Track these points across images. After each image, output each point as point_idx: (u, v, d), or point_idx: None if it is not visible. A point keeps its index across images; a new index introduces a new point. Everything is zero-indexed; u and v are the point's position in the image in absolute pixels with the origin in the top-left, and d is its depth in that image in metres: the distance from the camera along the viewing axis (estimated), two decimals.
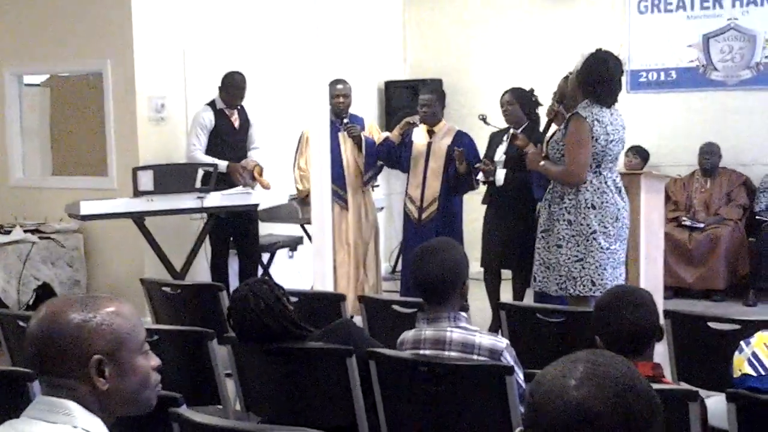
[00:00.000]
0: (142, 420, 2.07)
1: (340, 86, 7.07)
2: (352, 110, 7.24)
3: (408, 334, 3.39)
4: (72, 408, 1.83)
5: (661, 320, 3.18)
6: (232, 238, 7.14)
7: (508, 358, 3.26)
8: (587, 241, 4.93)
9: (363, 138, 7.05)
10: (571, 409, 1.49)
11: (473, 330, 3.31)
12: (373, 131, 7.26)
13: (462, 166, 6.63)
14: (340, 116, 7.07)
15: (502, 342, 3.31)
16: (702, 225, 8.15)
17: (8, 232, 6.85)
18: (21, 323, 3.98)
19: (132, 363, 1.90)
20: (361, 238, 7.14)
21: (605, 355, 1.59)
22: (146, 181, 6.43)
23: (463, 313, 3.35)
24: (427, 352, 3.28)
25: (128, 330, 1.90)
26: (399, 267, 8.43)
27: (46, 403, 1.85)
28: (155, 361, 1.96)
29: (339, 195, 7.04)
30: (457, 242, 3.55)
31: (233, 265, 7.23)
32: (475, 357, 3.23)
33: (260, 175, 6.97)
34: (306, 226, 7.33)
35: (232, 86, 6.98)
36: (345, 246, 7.09)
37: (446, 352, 3.25)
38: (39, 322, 1.87)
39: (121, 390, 1.88)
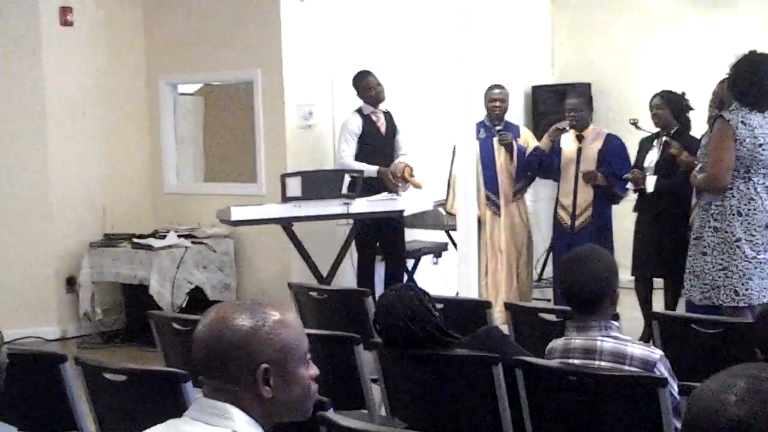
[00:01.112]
0: (291, 423, 2.09)
1: (497, 90, 7.05)
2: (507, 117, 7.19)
3: (557, 343, 3.32)
4: (233, 412, 1.86)
5: None
6: (378, 244, 7.18)
7: (662, 370, 3.15)
8: (731, 249, 4.75)
9: (515, 146, 6.98)
10: (731, 427, 1.42)
11: (625, 339, 3.22)
12: (529, 139, 7.18)
13: (600, 181, 6.54)
14: (495, 122, 7.03)
15: (656, 353, 3.20)
16: None
17: (163, 237, 7.10)
18: (175, 325, 4.09)
19: (296, 373, 1.91)
20: (514, 245, 7.08)
21: (766, 370, 1.51)
22: (294, 187, 6.55)
23: (615, 323, 3.26)
24: (577, 361, 3.21)
25: (295, 340, 1.92)
26: (545, 275, 8.31)
27: (208, 405, 1.88)
28: (315, 370, 1.98)
29: (492, 201, 7.01)
30: (606, 250, 3.45)
31: (379, 271, 7.28)
32: (626, 367, 3.13)
33: (411, 175, 7.00)
34: (451, 232, 7.31)
35: (358, 82, 7.06)
36: (497, 253, 7.04)
37: (596, 362, 3.17)
38: (209, 326, 1.90)
39: (283, 399, 1.90)
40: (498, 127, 7.01)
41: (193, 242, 7.17)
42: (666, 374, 3.14)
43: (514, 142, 7.00)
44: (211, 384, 1.89)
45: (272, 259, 7.30)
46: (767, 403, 1.43)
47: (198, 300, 6.91)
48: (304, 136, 7.37)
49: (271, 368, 1.87)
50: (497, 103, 7.01)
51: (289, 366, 1.90)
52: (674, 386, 3.11)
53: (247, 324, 1.87)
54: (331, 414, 2.72)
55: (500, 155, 7.05)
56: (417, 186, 7.00)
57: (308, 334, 1.99)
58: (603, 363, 3.16)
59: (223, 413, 1.85)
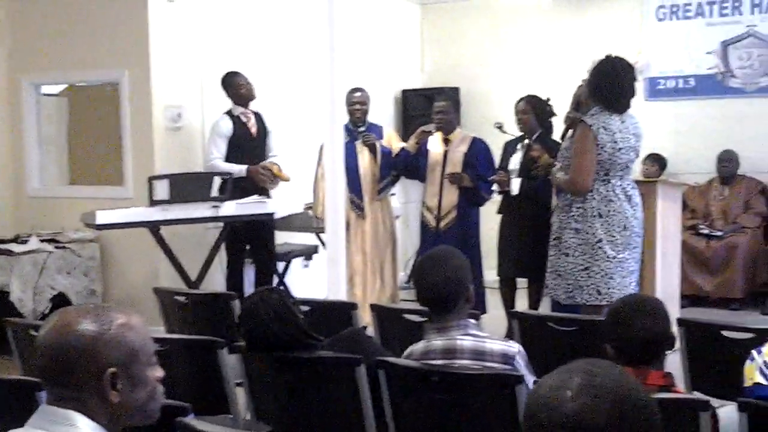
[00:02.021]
0: (149, 430, 2.08)
1: (357, 94, 7.09)
2: (370, 119, 7.24)
3: (416, 347, 3.37)
4: (77, 419, 1.84)
5: (674, 328, 3.16)
6: (248, 247, 7.14)
7: (521, 362, 3.25)
8: (593, 249, 4.90)
9: (378, 147, 7.05)
10: (567, 422, 1.48)
11: (483, 336, 3.30)
12: (392, 140, 7.26)
13: (466, 182, 6.66)
14: (357, 124, 7.08)
15: (513, 347, 3.30)
16: (720, 233, 8.09)
17: (25, 242, 6.89)
18: (33, 332, 3.98)
19: (143, 375, 1.92)
20: (378, 246, 7.13)
21: (602, 365, 1.57)
22: (162, 190, 6.45)
23: (472, 320, 3.34)
24: (438, 362, 3.27)
25: (141, 343, 1.92)
26: None
27: (51, 413, 1.85)
28: (160, 372, 1.99)
29: (356, 203, 7.04)
30: (458, 251, 3.50)
31: (249, 275, 7.24)
32: (488, 363, 3.22)
33: (279, 171, 6.98)
34: (321, 235, 7.32)
35: (226, 82, 7.01)
36: (361, 254, 7.09)
37: (458, 361, 3.24)
38: (51, 332, 1.88)
39: (131, 402, 1.90)
40: (361, 129, 7.06)
41: (56, 247, 6.98)
42: (523, 367, 3.25)
43: (377, 142, 7.07)
44: (54, 392, 1.86)
45: (140, 264, 7.17)
46: (601, 397, 1.49)
47: (62, 306, 6.72)
48: (172, 138, 7.27)
49: (118, 372, 1.86)
50: (357, 107, 7.08)
51: (136, 369, 1.90)
52: (531, 381, 3.20)
53: (92, 329, 1.86)
54: (190, 419, 2.70)
55: (363, 157, 7.10)
56: (285, 179, 6.98)
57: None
58: (464, 361, 3.23)
59: (67, 421, 1.82)
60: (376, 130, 7.23)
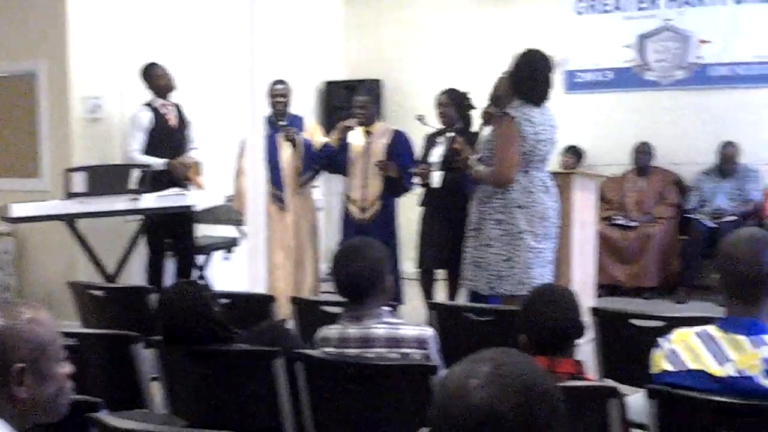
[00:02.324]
0: (59, 427, 2.05)
1: (279, 86, 7.05)
2: (293, 110, 7.22)
3: (330, 332, 3.39)
4: None
5: (586, 318, 3.22)
6: (167, 240, 7.07)
7: (433, 346, 3.32)
8: (515, 240, 4.96)
9: (300, 140, 7.02)
10: (473, 411, 1.50)
11: (397, 323, 3.36)
12: (314, 132, 7.23)
13: (392, 171, 6.69)
14: (279, 116, 7.04)
15: (427, 330, 3.36)
16: (635, 223, 8.25)
17: None
18: None
19: (51, 371, 1.90)
20: (299, 239, 7.12)
21: (509, 354, 1.60)
22: (79, 182, 6.35)
23: (386, 308, 3.37)
24: (353, 350, 3.30)
25: (50, 338, 1.90)
26: None
27: None
28: (69, 368, 1.97)
29: (277, 196, 7.02)
30: (378, 242, 3.53)
31: (170, 267, 7.17)
32: (404, 349, 3.26)
33: (196, 174, 6.92)
34: (242, 227, 7.28)
35: (149, 74, 6.94)
36: (284, 248, 7.07)
37: (375, 349, 3.27)
38: None
39: (38, 398, 1.88)
40: (282, 123, 7.03)
41: None
42: (435, 351, 3.31)
43: (296, 136, 7.03)
44: None
45: (57, 258, 7.05)
46: (507, 387, 1.51)
47: None
48: (90, 129, 7.15)
49: (25, 367, 1.83)
50: (279, 98, 7.04)
51: (44, 364, 1.88)
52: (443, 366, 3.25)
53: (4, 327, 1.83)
54: (102, 415, 2.67)
55: (285, 150, 7.07)
56: (199, 186, 6.94)
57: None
58: (380, 349, 3.27)
59: None
60: (298, 122, 7.21)
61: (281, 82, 7.09)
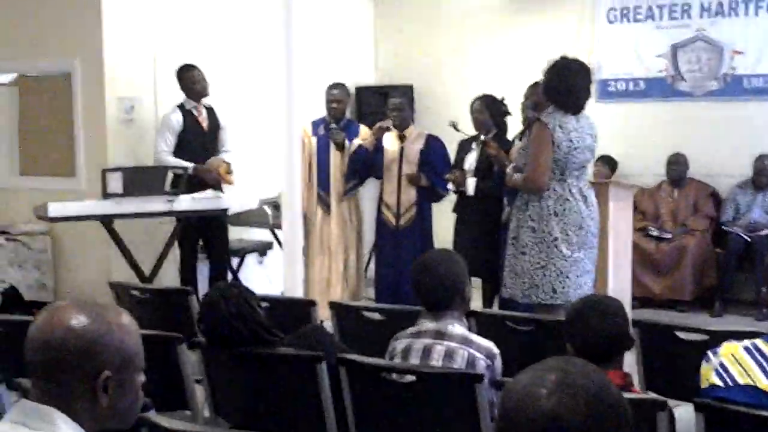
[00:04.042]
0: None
1: (335, 91, 7.09)
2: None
3: (407, 330, 3.49)
4: (56, 417, 1.81)
5: (631, 329, 3.21)
6: (201, 242, 7.10)
7: (499, 363, 3.40)
8: (549, 248, 4.94)
9: (347, 145, 7.01)
10: (542, 419, 1.50)
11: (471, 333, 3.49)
12: (368, 137, 7.21)
13: (423, 182, 6.70)
14: (332, 121, 7.06)
15: (496, 348, 3.44)
16: (669, 235, 8.20)
17: None
18: None
19: (133, 381, 1.91)
20: (343, 244, 7.12)
21: (577, 364, 1.60)
22: (115, 183, 6.38)
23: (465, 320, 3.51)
24: (428, 340, 3.39)
25: (135, 348, 1.90)
26: (368, 274, 8.41)
27: (32, 409, 1.83)
28: (143, 377, 1.96)
29: (323, 199, 7.04)
30: (457, 253, 3.71)
31: (203, 270, 7.19)
32: (473, 351, 3.35)
33: (227, 172, 6.93)
34: (276, 230, 7.30)
35: (182, 75, 6.96)
36: (326, 251, 7.08)
37: (446, 342, 3.37)
38: (49, 327, 1.84)
39: (118, 407, 1.88)
40: (332, 126, 7.04)
41: (7, 239, 6.89)
42: (499, 367, 3.39)
43: (347, 141, 7.03)
44: (41, 387, 1.84)
45: (93, 258, 7.09)
46: (576, 395, 1.51)
47: (14, 300, 6.63)
48: (125, 130, 7.20)
49: (112, 376, 1.84)
50: (334, 104, 7.06)
51: (128, 374, 1.88)
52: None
53: (92, 329, 1.83)
54: (152, 415, 2.69)
55: (335, 155, 7.08)
56: (228, 182, 6.95)
57: None
58: (453, 344, 3.35)
59: (47, 417, 1.80)
60: (354, 128, 7.22)
61: (337, 86, 7.13)
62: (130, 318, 1.93)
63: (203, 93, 7.00)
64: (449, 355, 3.34)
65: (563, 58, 5.10)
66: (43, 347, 1.83)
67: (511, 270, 5.12)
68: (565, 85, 4.98)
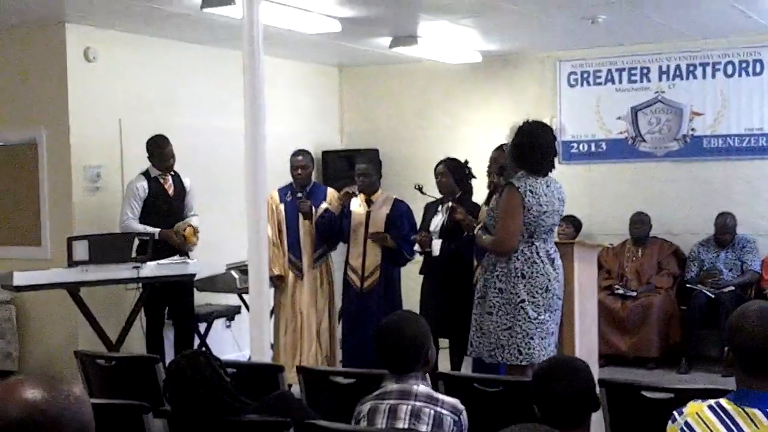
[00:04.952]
0: None
1: (299, 158, 7.12)
2: None
3: (372, 394, 3.48)
4: None
5: (597, 389, 3.23)
6: (167, 308, 7.07)
7: (465, 419, 3.39)
8: (515, 309, 4.97)
9: (314, 211, 7.04)
10: None
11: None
12: (335, 201, 7.24)
13: (388, 243, 6.74)
14: (299, 187, 7.08)
15: (460, 405, 3.43)
16: (634, 293, 8.28)
17: None
18: None
19: None
20: (314, 308, 7.11)
21: (539, 430, 1.62)
22: (81, 251, 6.37)
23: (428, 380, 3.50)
24: (393, 401, 3.37)
25: (90, 419, 1.88)
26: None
27: None
28: None
29: (295, 264, 7.04)
30: (419, 315, 3.71)
31: (169, 335, 7.16)
32: (438, 409, 3.33)
33: (192, 234, 6.93)
34: (245, 295, 7.28)
35: (157, 149, 6.98)
36: (297, 315, 7.06)
37: (411, 402, 3.34)
38: (13, 406, 1.80)
39: None
40: (299, 195, 7.08)
41: None
42: (466, 424, 3.38)
43: (312, 208, 7.06)
44: None
45: (58, 326, 7.04)
46: None
47: None
48: (91, 197, 7.20)
49: None
50: (299, 170, 7.09)
51: None
52: None
53: (55, 405, 1.81)
54: None
55: (303, 222, 7.11)
56: (192, 243, 6.95)
57: (95, 404, 1.95)
58: (418, 404, 3.33)
59: None
60: (321, 191, 7.25)
61: (301, 152, 7.16)
62: (82, 389, 1.92)
63: (172, 167, 7.04)
64: (416, 414, 3.34)
65: (527, 123, 5.18)
66: (10, 428, 1.82)
67: (478, 329, 5.14)
68: (531, 149, 5.04)
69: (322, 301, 7.16)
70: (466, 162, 6.76)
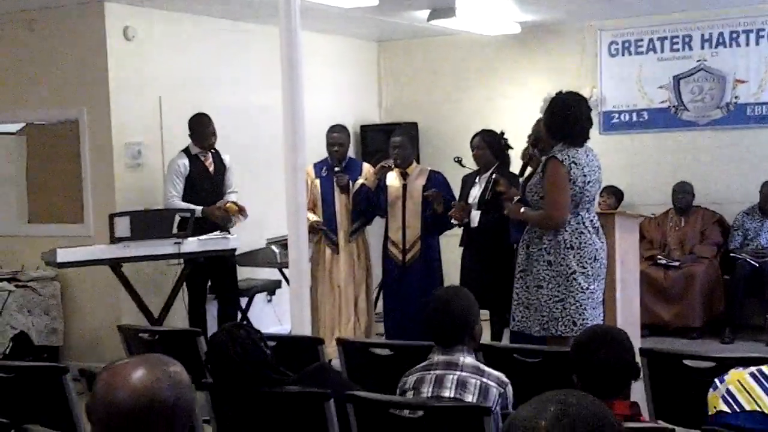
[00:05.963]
0: None
1: (335, 134, 7.12)
2: None
3: (418, 366, 3.50)
4: None
5: (637, 358, 3.21)
6: (210, 283, 7.13)
7: (510, 391, 3.41)
8: (567, 281, 4.94)
9: (351, 186, 7.05)
10: None
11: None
12: (370, 176, 7.25)
13: (439, 206, 6.70)
14: (334, 163, 7.09)
15: (506, 378, 3.46)
16: (677, 263, 8.20)
17: None
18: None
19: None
20: (352, 282, 7.13)
21: (576, 395, 1.60)
22: (123, 227, 6.43)
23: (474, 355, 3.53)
24: (439, 371, 3.39)
25: (195, 399, 1.94)
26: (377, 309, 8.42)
27: None
28: None
29: (330, 239, 7.06)
30: (465, 289, 3.71)
31: (212, 310, 7.22)
32: (484, 380, 3.36)
33: (237, 212, 6.96)
34: (285, 270, 7.32)
35: (199, 127, 7.00)
36: (335, 290, 7.09)
37: (458, 372, 3.37)
38: (130, 394, 1.84)
39: None
40: (336, 169, 7.08)
41: (16, 285, 6.93)
42: (511, 397, 3.40)
43: (350, 183, 7.07)
44: None
45: (102, 302, 7.13)
46: (575, 427, 1.52)
47: (24, 346, 6.66)
48: (133, 175, 7.26)
49: None
50: (336, 147, 7.09)
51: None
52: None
53: (170, 394, 1.85)
54: None
55: (340, 195, 7.13)
56: (235, 212, 6.95)
57: None
58: (464, 374, 3.36)
59: None
60: (357, 167, 7.25)
61: (337, 129, 7.16)
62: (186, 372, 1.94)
63: (213, 145, 7.06)
64: (462, 383, 3.35)
65: (560, 94, 5.14)
66: (127, 414, 1.82)
67: (522, 303, 5.11)
68: (566, 121, 5.00)
69: (360, 275, 7.17)
70: (502, 133, 6.73)
